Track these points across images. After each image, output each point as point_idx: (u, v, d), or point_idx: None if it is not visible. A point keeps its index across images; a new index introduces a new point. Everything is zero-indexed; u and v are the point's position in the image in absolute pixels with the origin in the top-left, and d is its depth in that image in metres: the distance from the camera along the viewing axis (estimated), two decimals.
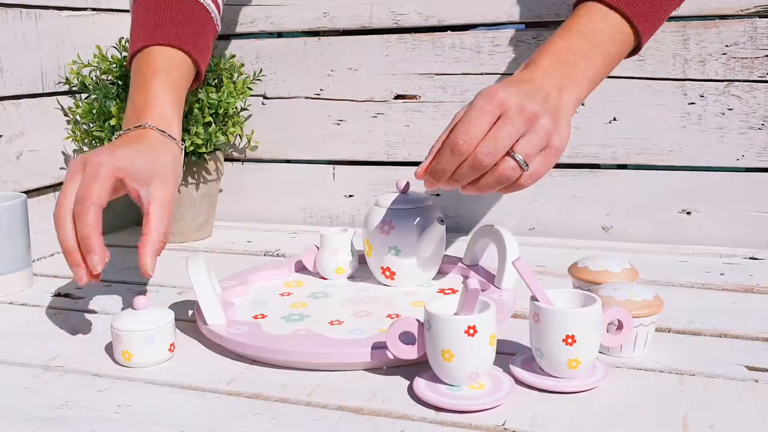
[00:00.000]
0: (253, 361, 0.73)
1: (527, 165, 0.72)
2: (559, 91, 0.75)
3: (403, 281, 0.90)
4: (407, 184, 0.92)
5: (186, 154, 1.13)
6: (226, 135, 1.18)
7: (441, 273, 0.95)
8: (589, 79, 0.79)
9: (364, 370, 0.70)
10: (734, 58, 1.03)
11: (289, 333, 0.76)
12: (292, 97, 1.26)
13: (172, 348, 0.75)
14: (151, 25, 0.91)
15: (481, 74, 1.14)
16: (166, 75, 0.87)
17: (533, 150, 0.72)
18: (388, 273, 0.90)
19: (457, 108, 1.16)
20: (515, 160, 0.72)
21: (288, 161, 1.30)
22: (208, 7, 0.98)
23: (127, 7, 1.29)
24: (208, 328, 0.76)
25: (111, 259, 1.11)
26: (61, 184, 1.17)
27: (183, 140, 0.98)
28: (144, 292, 0.96)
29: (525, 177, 0.73)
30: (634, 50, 0.85)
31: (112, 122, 1.06)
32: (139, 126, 0.82)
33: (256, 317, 0.82)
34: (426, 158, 0.77)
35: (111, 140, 1.08)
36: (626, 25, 0.80)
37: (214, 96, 1.12)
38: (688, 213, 1.09)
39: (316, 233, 1.22)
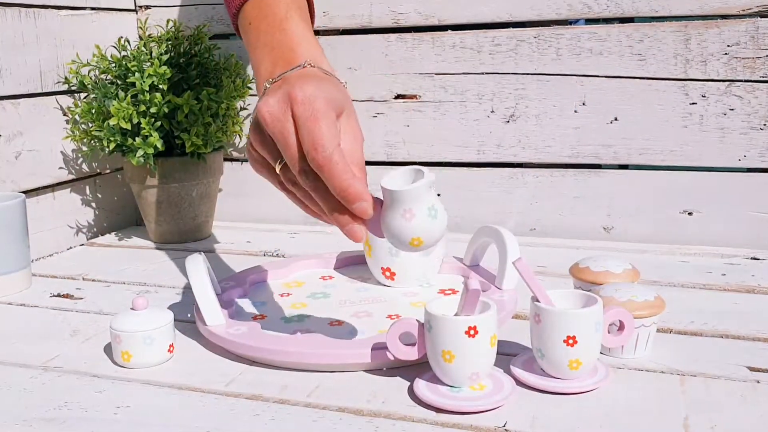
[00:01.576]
0: (253, 362, 0.73)
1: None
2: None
3: (403, 281, 0.90)
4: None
5: (186, 154, 1.13)
6: (226, 135, 1.18)
7: (441, 273, 0.95)
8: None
9: (364, 371, 0.70)
10: (736, 58, 1.03)
11: (289, 334, 0.76)
12: None
13: (172, 349, 0.74)
14: None
15: (481, 74, 1.14)
16: (296, 11, 0.76)
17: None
18: (388, 273, 0.90)
19: (457, 108, 1.16)
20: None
21: None
22: None
23: (126, 7, 1.29)
24: (208, 328, 0.76)
25: (110, 259, 1.12)
26: (60, 183, 1.17)
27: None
28: (143, 293, 0.95)
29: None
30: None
31: (111, 122, 1.06)
32: (298, 66, 0.70)
33: (255, 318, 0.82)
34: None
35: (109, 139, 1.08)
36: None
37: (214, 96, 1.12)
38: (690, 213, 1.09)
39: (316, 233, 1.22)
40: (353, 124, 0.69)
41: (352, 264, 0.99)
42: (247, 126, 1.28)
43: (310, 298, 0.88)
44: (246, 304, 0.87)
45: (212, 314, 0.76)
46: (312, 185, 0.63)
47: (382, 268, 0.90)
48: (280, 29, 0.75)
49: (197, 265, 0.78)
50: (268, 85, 0.69)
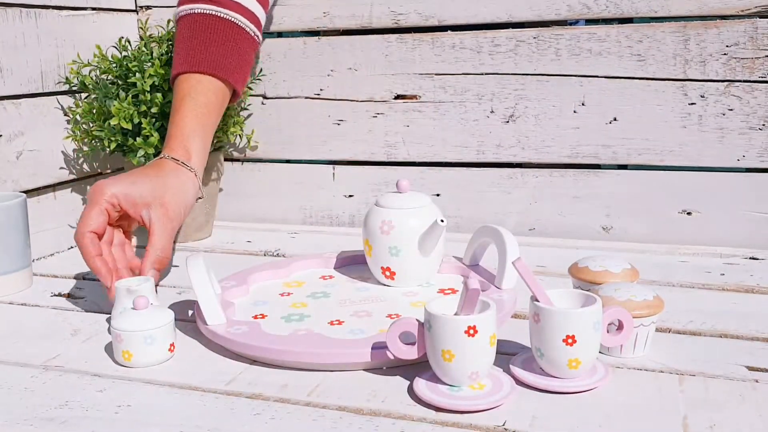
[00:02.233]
0: (253, 361, 0.73)
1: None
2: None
3: (403, 281, 0.90)
4: (407, 184, 0.91)
5: None
6: (226, 135, 1.18)
7: (441, 273, 0.95)
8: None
9: (364, 370, 0.70)
10: (735, 58, 1.03)
11: (289, 333, 0.76)
12: (292, 97, 1.26)
13: (172, 348, 0.75)
14: (183, 51, 1.00)
15: (481, 74, 1.14)
16: (192, 102, 0.95)
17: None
18: (388, 273, 0.90)
19: (457, 108, 1.16)
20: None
21: (288, 161, 1.30)
22: (240, 24, 1.03)
23: (127, 7, 1.30)
24: (208, 328, 0.76)
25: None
26: (61, 183, 1.17)
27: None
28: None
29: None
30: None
31: (112, 122, 1.06)
32: (160, 157, 0.92)
33: (256, 317, 0.82)
34: None
35: (110, 139, 1.09)
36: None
37: None
38: (689, 213, 1.09)
39: (316, 233, 1.23)
40: (163, 213, 0.87)
41: (352, 264, 1.00)
42: (247, 126, 1.28)
43: (311, 297, 0.88)
44: (246, 304, 0.87)
45: (213, 314, 0.77)
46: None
47: (382, 268, 0.90)
48: (172, 119, 0.95)
49: (197, 264, 0.78)
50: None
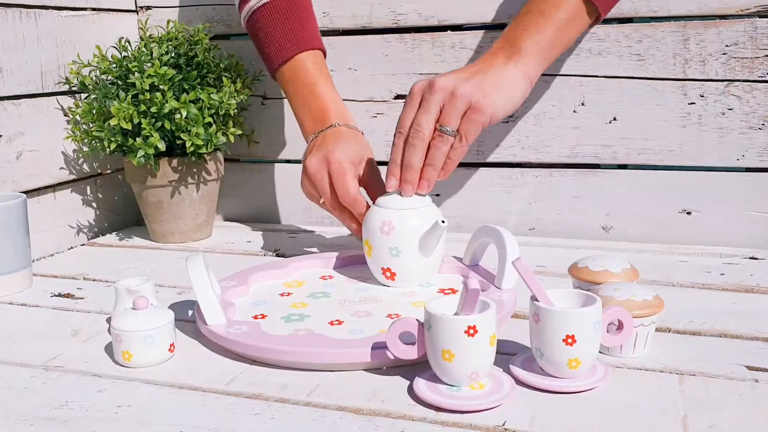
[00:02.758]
0: (253, 362, 0.73)
1: (455, 132, 0.87)
2: (503, 64, 0.91)
3: (403, 282, 0.90)
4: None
5: (186, 154, 1.13)
6: (226, 135, 1.18)
7: (441, 273, 0.95)
8: (537, 45, 0.92)
9: (364, 370, 0.70)
10: (734, 57, 1.03)
11: (289, 333, 0.76)
12: None
13: (172, 348, 0.75)
14: (287, 35, 1.06)
15: None
16: (321, 76, 1.05)
17: (453, 117, 0.87)
18: (388, 274, 0.90)
19: None
20: (441, 131, 0.87)
21: (288, 161, 1.30)
22: None
23: (127, 7, 1.30)
24: (208, 328, 0.76)
25: (111, 259, 1.12)
26: (61, 183, 1.17)
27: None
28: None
29: (457, 142, 0.88)
30: (598, 18, 0.96)
31: (112, 122, 1.06)
32: (330, 126, 1.00)
33: (256, 317, 0.82)
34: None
35: (110, 140, 1.08)
36: None
37: (214, 96, 1.12)
38: (689, 213, 1.09)
39: (316, 233, 1.23)
40: (372, 162, 1.00)
41: (352, 264, 1.00)
42: (247, 126, 1.28)
43: (311, 297, 0.88)
44: (246, 304, 0.87)
45: (213, 314, 0.77)
46: (338, 213, 0.99)
47: (382, 269, 0.90)
48: (312, 93, 1.04)
49: (197, 264, 0.78)
50: (313, 137, 1.01)
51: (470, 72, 0.90)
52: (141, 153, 1.07)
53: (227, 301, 0.83)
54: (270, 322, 0.80)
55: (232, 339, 0.73)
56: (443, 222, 0.86)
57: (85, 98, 1.17)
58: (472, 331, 0.62)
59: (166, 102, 1.07)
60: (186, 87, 1.12)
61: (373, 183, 0.98)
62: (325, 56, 1.09)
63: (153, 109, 1.07)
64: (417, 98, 0.89)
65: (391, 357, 0.68)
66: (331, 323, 0.79)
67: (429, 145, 0.88)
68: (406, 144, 0.89)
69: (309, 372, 0.70)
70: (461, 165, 1.18)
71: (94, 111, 1.11)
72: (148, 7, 1.32)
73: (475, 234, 0.93)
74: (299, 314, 0.83)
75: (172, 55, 1.15)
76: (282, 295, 0.90)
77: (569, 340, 0.64)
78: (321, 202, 0.99)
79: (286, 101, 1.26)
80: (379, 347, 0.69)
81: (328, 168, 0.96)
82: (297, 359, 0.70)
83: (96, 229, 1.25)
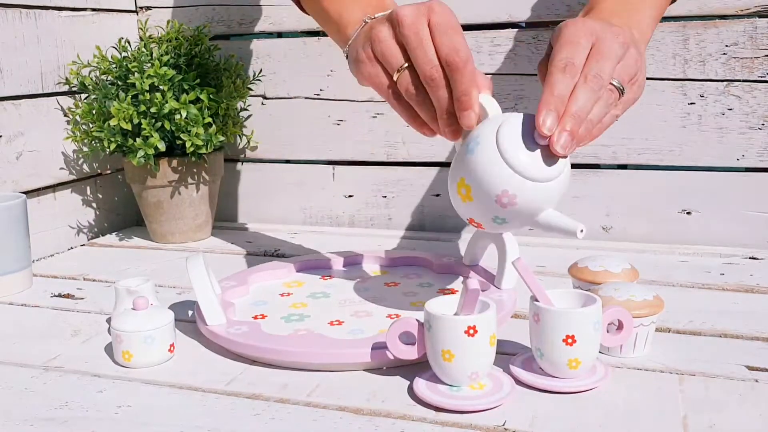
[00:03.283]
0: (253, 362, 0.73)
1: (623, 91, 0.70)
2: (629, 29, 0.73)
3: (526, 206, 0.70)
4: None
5: (186, 154, 1.13)
6: (226, 135, 1.18)
7: (441, 273, 0.95)
8: (651, 18, 0.79)
9: (364, 370, 0.70)
10: (734, 58, 1.03)
11: (289, 333, 0.76)
12: (292, 97, 1.26)
13: (172, 348, 0.75)
14: None
15: None
16: None
17: (627, 77, 0.70)
18: (506, 199, 0.69)
19: None
20: (613, 84, 0.69)
21: (288, 161, 1.30)
22: None
23: (127, 8, 1.30)
24: (208, 328, 0.76)
25: (111, 259, 1.12)
26: (61, 184, 1.17)
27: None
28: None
29: (619, 104, 0.71)
30: None
31: (112, 123, 1.06)
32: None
33: (256, 317, 0.82)
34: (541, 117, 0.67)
35: (110, 140, 1.08)
36: None
37: (214, 96, 1.12)
38: (689, 213, 1.09)
39: (316, 233, 1.23)
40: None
41: (353, 264, 1.00)
42: (247, 126, 1.28)
43: (311, 297, 0.88)
44: (246, 304, 0.87)
45: (213, 314, 0.77)
46: (432, 90, 0.69)
47: (470, 219, 0.75)
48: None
49: (197, 264, 0.78)
50: (368, 20, 0.75)
51: (624, 29, 0.72)
52: (141, 153, 1.08)
53: (227, 302, 0.83)
54: (270, 322, 0.80)
55: (232, 339, 0.73)
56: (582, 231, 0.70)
57: (85, 98, 1.17)
58: (472, 332, 0.62)
59: (166, 102, 1.07)
60: (186, 87, 1.12)
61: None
62: None
63: (153, 110, 1.07)
64: (588, 40, 0.69)
65: (391, 357, 0.68)
66: (331, 323, 0.79)
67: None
68: (577, 86, 0.67)
69: (309, 372, 0.70)
70: None
71: (94, 111, 1.11)
72: (148, 8, 1.32)
73: (475, 234, 0.93)
74: (299, 314, 0.83)
75: (172, 55, 1.15)
76: (282, 295, 0.90)
77: (569, 341, 0.64)
78: (398, 77, 0.71)
79: (286, 101, 1.26)
80: (379, 347, 0.69)
81: (429, 19, 0.69)
82: (297, 359, 0.70)
83: (96, 230, 1.25)
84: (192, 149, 1.10)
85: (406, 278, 0.95)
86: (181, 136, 1.09)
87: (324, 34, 1.23)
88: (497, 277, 0.86)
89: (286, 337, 0.73)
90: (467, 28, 1.14)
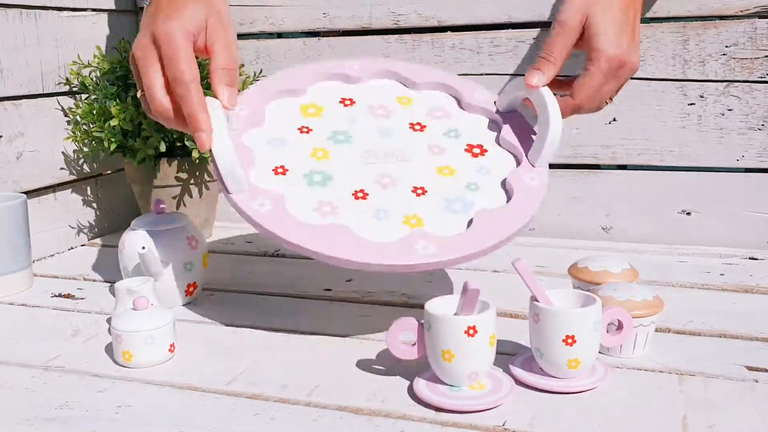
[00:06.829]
0: (254, 362, 0.73)
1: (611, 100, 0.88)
2: (629, 5, 0.84)
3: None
4: None
5: (186, 154, 1.13)
6: None
7: (462, 108, 0.88)
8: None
9: (364, 370, 0.70)
10: (734, 58, 1.03)
11: (313, 210, 0.75)
12: None
13: (172, 348, 0.75)
14: None
15: (481, 74, 1.14)
16: None
17: (617, 92, 0.87)
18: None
19: None
20: (606, 103, 0.87)
21: None
22: None
23: (127, 8, 1.30)
24: (232, 199, 0.75)
25: (112, 259, 1.12)
26: (61, 184, 1.17)
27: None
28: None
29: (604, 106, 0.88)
30: None
31: (112, 123, 1.06)
32: None
33: (276, 171, 0.78)
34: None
35: (110, 140, 1.08)
36: None
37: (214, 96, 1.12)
38: (688, 213, 1.09)
39: None
40: (222, 28, 0.79)
41: (374, 78, 0.91)
42: None
43: (331, 141, 0.82)
44: (262, 144, 0.81)
45: (234, 180, 0.75)
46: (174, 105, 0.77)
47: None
48: None
49: (216, 113, 0.76)
50: (146, 4, 0.80)
51: (628, 31, 0.83)
52: (141, 154, 1.08)
53: (245, 148, 0.79)
54: (292, 183, 0.77)
55: (258, 222, 0.73)
56: None
57: (86, 99, 1.17)
58: (471, 332, 0.62)
59: None
60: None
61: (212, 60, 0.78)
62: None
63: None
64: (613, 65, 0.82)
65: (395, 356, 0.68)
66: (356, 196, 0.77)
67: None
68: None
69: (309, 372, 0.70)
70: None
71: (94, 111, 1.11)
72: None
73: (511, 84, 0.85)
74: (321, 173, 0.79)
75: None
76: (300, 130, 0.83)
77: (569, 341, 0.64)
78: (140, 95, 0.78)
79: None
80: (394, 253, 0.71)
81: (158, 50, 0.75)
82: (322, 259, 0.71)
83: (96, 230, 1.25)
84: (198, 156, 1.10)
85: (431, 117, 0.87)
86: (182, 136, 1.09)
87: (324, 35, 1.23)
88: (533, 153, 0.80)
89: (310, 230, 0.73)
90: (467, 28, 1.14)
